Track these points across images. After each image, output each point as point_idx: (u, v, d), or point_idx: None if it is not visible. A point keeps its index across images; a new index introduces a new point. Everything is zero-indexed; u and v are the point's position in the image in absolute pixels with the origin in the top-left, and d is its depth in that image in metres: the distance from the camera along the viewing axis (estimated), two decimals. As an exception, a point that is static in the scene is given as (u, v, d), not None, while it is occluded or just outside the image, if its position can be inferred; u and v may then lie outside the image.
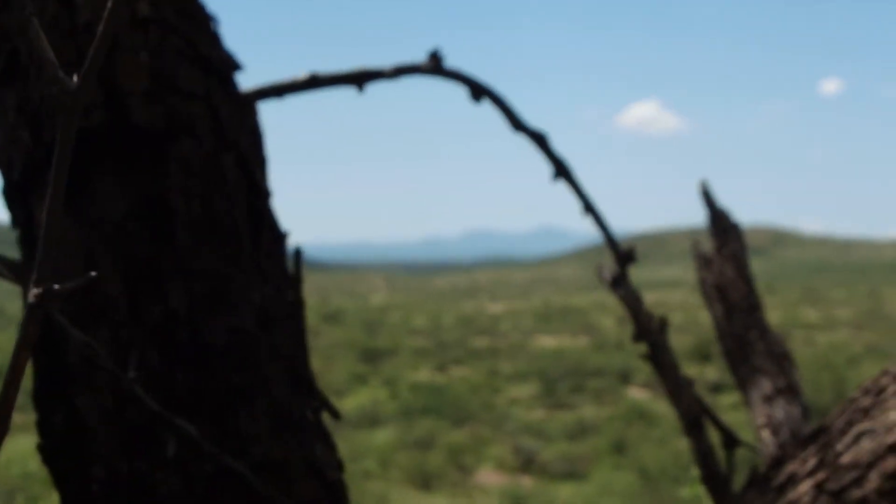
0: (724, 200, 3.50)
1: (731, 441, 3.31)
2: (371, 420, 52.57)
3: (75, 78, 1.36)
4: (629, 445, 44.43)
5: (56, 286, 1.38)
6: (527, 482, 42.81)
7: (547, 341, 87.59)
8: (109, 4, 1.33)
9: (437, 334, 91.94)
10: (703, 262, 3.44)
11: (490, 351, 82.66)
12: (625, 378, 61.38)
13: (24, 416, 2.78)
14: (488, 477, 45.28)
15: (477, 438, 50.66)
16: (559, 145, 3.30)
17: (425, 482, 43.35)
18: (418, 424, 51.06)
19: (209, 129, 2.75)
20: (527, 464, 46.66)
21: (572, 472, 43.77)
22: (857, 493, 2.63)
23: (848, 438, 2.69)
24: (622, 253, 3.31)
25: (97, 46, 1.38)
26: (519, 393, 65.63)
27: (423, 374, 70.82)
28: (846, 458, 2.67)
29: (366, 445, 45.27)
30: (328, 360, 67.25)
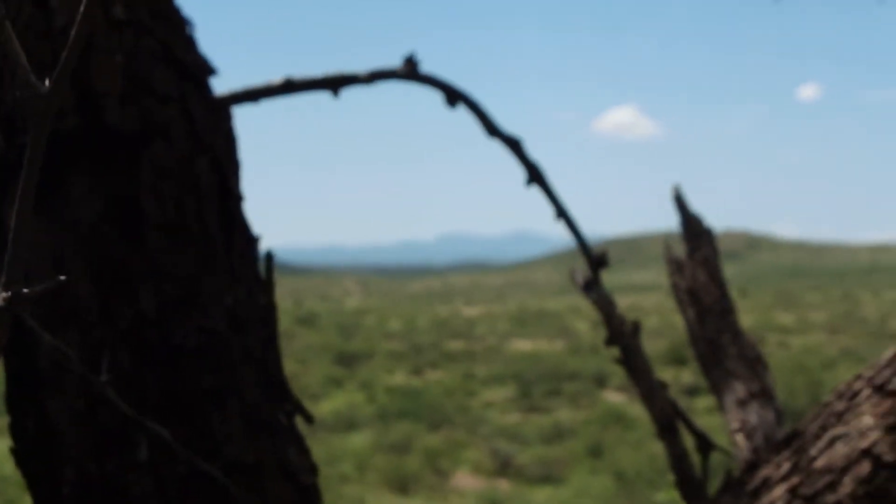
0: (699, 205, 3.50)
1: (705, 445, 3.31)
2: (347, 424, 52.64)
3: (48, 82, 1.36)
4: (605, 449, 44.57)
5: (25, 289, 1.37)
6: (504, 485, 42.92)
7: (522, 345, 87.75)
8: (83, 7, 1.33)
9: (413, 338, 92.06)
10: (676, 266, 3.44)
11: (465, 354, 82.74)
12: (600, 382, 61.49)
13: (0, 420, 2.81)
14: (465, 480, 45.36)
15: (453, 442, 50.74)
16: (535, 150, 3.30)
17: (402, 486, 43.45)
18: (394, 428, 51.19)
19: (183, 132, 2.76)
20: (503, 467, 46.72)
21: (549, 476, 43.85)
22: (831, 498, 2.63)
23: (822, 443, 2.69)
24: (595, 257, 3.32)
25: (70, 49, 1.38)
26: (494, 396, 65.69)
27: (399, 378, 70.93)
28: (820, 463, 2.67)
29: (342, 449, 45.30)
30: (303, 364, 67.43)
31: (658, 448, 3.31)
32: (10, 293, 1.35)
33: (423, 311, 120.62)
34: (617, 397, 55.34)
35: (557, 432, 51.87)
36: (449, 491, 43.79)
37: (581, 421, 53.35)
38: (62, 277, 1.40)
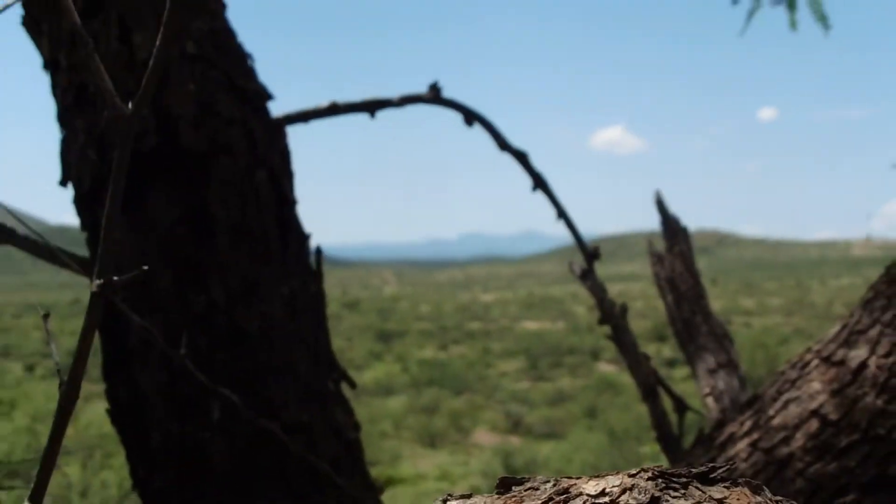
0: (676, 207, 3.50)
1: (681, 407, 3.30)
2: (385, 390, 52.97)
3: (130, 106, 1.35)
4: (599, 411, 44.73)
5: (115, 279, 1.37)
6: (515, 441, 43.05)
7: (530, 325, 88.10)
8: (159, 43, 1.32)
9: (439, 319, 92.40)
10: (657, 259, 3.44)
11: (483, 333, 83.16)
12: (595, 355, 61.78)
13: (99, 386, 2.81)
14: (483, 437, 45.53)
15: (473, 405, 51.01)
16: (539, 162, 3.29)
17: (431, 441, 43.74)
18: (424, 393, 51.46)
19: (245, 149, 2.75)
20: (515, 426, 46.92)
21: (552, 433, 43.98)
22: (785, 451, 2.62)
23: (778, 405, 2.68)
24: (589, 252, 3.31)
25: (149, 78, 1.37)
26: (507, 368, 65.93)
27: (428, 352, 71.23)
28: (776, 421, 2.66)
29: (381, 411, 45.59)
30: (349, 341, 67.94)
31: (643, 409, 3.30)
32: (102, 281, 1.35)
33: (448, 298, 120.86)
34: (609, 368, 55.41)
35: (559, 397, 52.09)
36: (470, 445, 44.04)
37: (579, 388, 53.55)
38: (145, 268, 1.39)
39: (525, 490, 1.07)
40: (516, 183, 3.22)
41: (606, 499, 1.00)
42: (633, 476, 1.03)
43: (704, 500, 0.98)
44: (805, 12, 4.07)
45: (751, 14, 4.05)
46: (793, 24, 4.06)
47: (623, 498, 1.01)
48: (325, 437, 2.83)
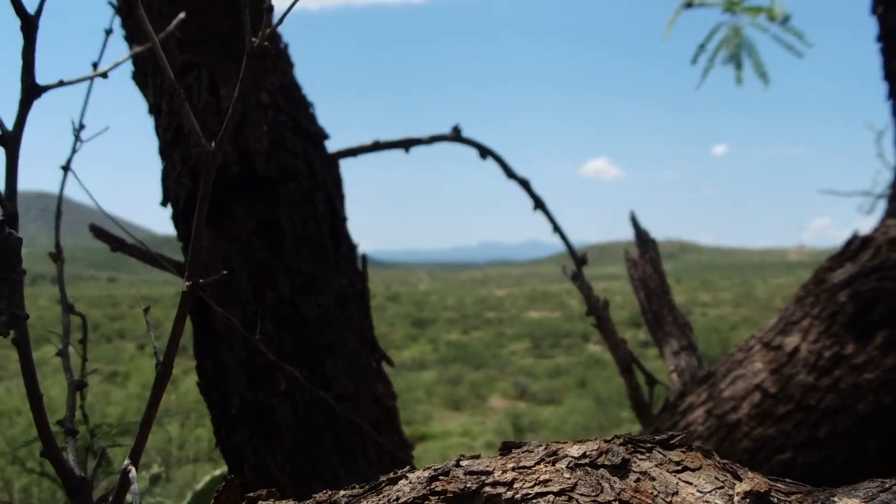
0: (646, 222, 3.49)
1: (651, 381, 3.29)
2: (419, 365, 53.51)
3: (214, 144, 1.34)
4: (588, 382, 45.12)
5: (201, 280, 1.37)
6: (522, 405, 43.41)
7: (534, 314, 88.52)
8: (235, 95, 1.31)
9: (462, 310, 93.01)
10: (632, 263, 3.44)
11: (497, 321, 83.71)
12: (585, 338, 61.99)
13: (194, 362, 2.83)
14: (497, 402, 45.91)
15: (489, 377, 51.53)
16: (538, 187, 3.28)
17: (456, 406, 44.18)
18: (450, 368, 52.01)
19: (307, 176, 2.75)
20: (521, 394, 47.27)
21: (551, 399, 44.31)
22: (734, 416, 2.60)
23: (728, 380, 2.66)
24: (578, 257, 3.30)
25: (227, 123, 1.36)
26: (516, 348, 66.32)
27: (453, 336, 71.65)
28: (726, 393, 2.64)
29: (416, 382, 46.03)
30: (391, 326, 68.56)
31: (623, 382, 3.30)
32: (191, 282, 1.34)
33: (469, 293, 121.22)
34: (596, 348, 55.53)
35: (557, 371, 52.48)
36: (486, 409, 44.46)
37: (572, 363, 53.94)
38: (225, 272, 1.38)
39: (522, 452, 1.06)
40: (523, 202, 3.21)
41: (587, 459, 0.99)
42: (608, 442, 1.02)
43: (665, 462, 0.97)
44: (749, 71, 4.04)
45: (705, 72, 4.02)
46: (739, 80, 4.03)
47: (600, 459, 1.00)
48: (368, 404, 2.83)
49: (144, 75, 2.88)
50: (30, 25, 1.58)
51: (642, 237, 3.46)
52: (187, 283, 1.53)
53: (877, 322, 2.51)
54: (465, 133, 3.14)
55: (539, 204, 3.26)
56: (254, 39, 1.50)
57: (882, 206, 2.81)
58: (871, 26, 2.78)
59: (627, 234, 3.60)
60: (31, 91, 1.56)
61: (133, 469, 1.58)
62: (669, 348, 3.28)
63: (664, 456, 0.97)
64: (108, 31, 2.01)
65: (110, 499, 1.67)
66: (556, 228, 3.28)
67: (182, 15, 1.79)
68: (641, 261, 3.42)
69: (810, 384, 2.53)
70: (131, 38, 2.80)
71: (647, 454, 0.98)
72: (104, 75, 1.69)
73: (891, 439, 2.52)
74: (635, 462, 0.96)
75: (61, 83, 1.61)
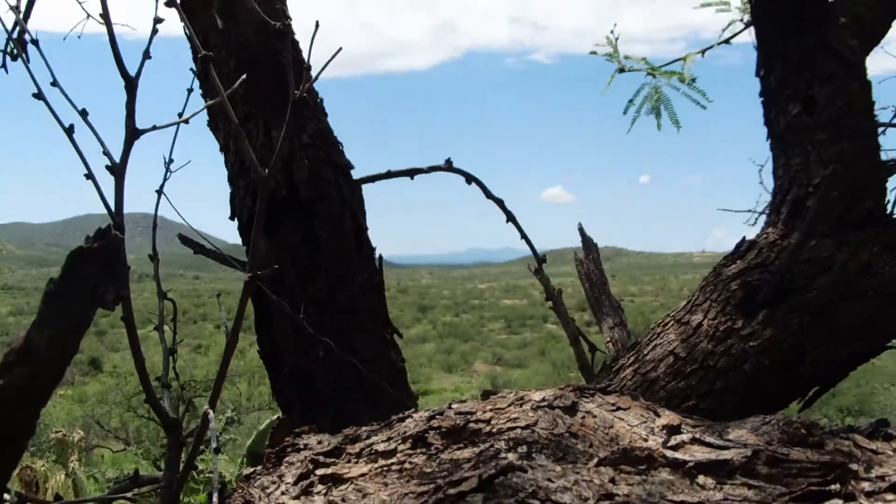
0: (590, 232, 3.48)
1: (593, 349, 3.27)
2: (422, 339, 54.06)
3: (267, 172, 1.33)
4: (547, 352, 45.51)
5: (258, 273, 1.36)
6: (498, 369, 43.69)
7: (507, 302, 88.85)
8: (282, 137, 1.30)
9: (454, 298, 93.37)
10: (579, 262, 3.44)
11: (479, 306, 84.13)
12: (545, 319, 62.46)
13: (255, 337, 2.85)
14: (480, 367, 46.31)
15: (474, 348, 52.06)
16: (511, 207, 3.27)
17: (449, 369, 44.55)
18: (445, 342, 52.53)
19: (337, 198, 2.75)
20: (498, 360, 47.69)
21: (520, 364, 44.65)
22: (653, 374, 2.59)
23: (649, 347, 2.65)
24: (540, 258, 3.29)
25: (276, 157, 1.35)
26: (493, 326, 66.83)
27: (447, 318, 72.06)
28: (648, 357, 2.63)
29: (420, 352, 46.54)
30: (401, 311, 69.05)
31: (572, 351, 3.28)
32: (251, 275, 1.33)
33: (459, 286, 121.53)
34: (552, 327, 55.84)
35: (524, 344, 53.08)
36: (472, 372, 44.97)
37: (535, 338, 54.50)
38: (276, 267, 1.37)
39: (497, 397, 1.06)
40: (501, 217, 3.19)
41: (545, 402, 0.98)
42: (562, 389, 1.01)
43: (604, 404, 0.96)
44: (666, 119, 4.04)
45: (633, 121, 4.01)
46: (659, 127, 4.03)
47: (555, 402, 0.99)
48: (384, 367, 2.83)
49: (216, 122, 2.88)
50: (131, 84, 1.57)
51: (587, 243, 3.46)
52: (248, 276, 1.52)
53: (759, 304, 2.52)
54: (455, 164, 3.13)
55: (510, 218, 3.25)
56: (296, 92, 1.50)
57: (763, 220, 2.82)
58: (756, 85, 2.79)
59: (576, 242, 3.59)
60: (132, 134, 1.55)
61: (211, 412, 1.58)
62: (606, 325, 3.28)
63: (603, 399, 0.97)
64: (190, 90, 2.00)
65: (195, 434, 1.66)
66: (523, 236, 3.28)
67: (243, 77, 1.78)
68: (587, 261, 3.42)
69: (709, 350, 2.52)
70: (206, 94, 2.79)
71: (591, 398, 0.97)
72: (186, 122, 1.69)
73: (769, 391, 2.52)
74: (582, 404, 0.95)
75: (154, 128, 1.61)
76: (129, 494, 2.53)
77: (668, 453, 0.83)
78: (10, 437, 0.96)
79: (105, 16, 1.71)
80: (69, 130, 1.58)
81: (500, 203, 3.25)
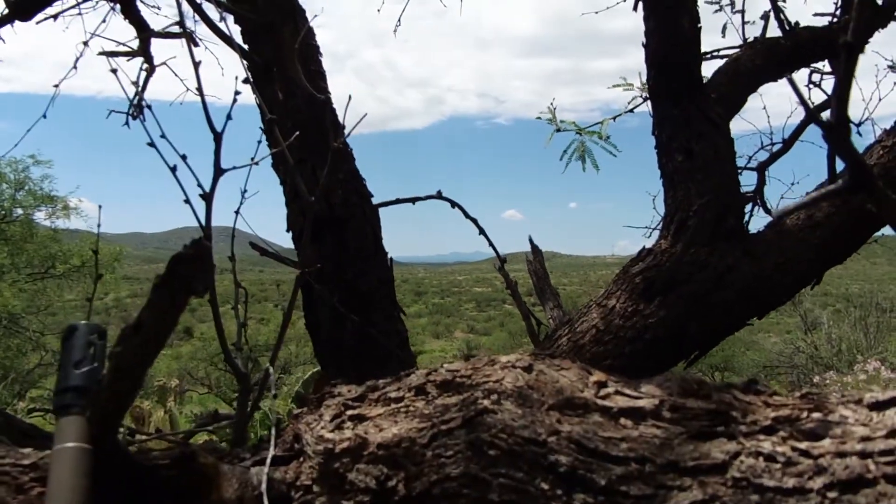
0: (536, 240, 3.45)
1: (539, 324, 3.24)
2: (418, 315, 53.80)
3: (314, 199, 1.30)
4: (505, 325, 45.30)
5: (306, 269, 1.32)
6: (471, 336, 43.52)
7: (478, 289, 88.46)
8: (325, 173, 1.27)
9: (441, 287, 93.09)
10: (529, 262, 3.40)
11: (458, 292, 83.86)
12: (504, 301, 62.52)
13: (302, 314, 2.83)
14: (458, 335, 46.06)
15: (454, 321, 51.74)
16: (482, 223, 3.22)
17: (437, 336, 44.25)
18: (433, 317, 52.24)
19: (361, 217, 2.70)
20: (471, 330, 47.46)
21: (486, 333, 44.44)
22: (581, 341, 2.56)
23: (579, 323, 2.62)
24: (502, 259, 3.26)
25: (321, 189, 1.32)
26: (469, 307, 66.52)
27: (436, 300, 71.87)
28: (578, 329, 2.60)
29: (416, 324, 46.29)
30: (403, 295, 68.84)
31: (524, 325, 3.24)
32: (301, 270, 1.29)
33: (444, 278, 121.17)
34: (509, 307, 55.81)
35: (489, 319, 53.01)
36: (453, 338, 44.85)
37: (497, 314, 54.27)
38: (319, 266, 1.33)
39: (475, 360, 1.03)
40: (473, 230, 3.14)
41: (510, 363, 0.96)
42: (520, 355, 0.99)
43: (551, 365, 0.94)
44: (589, 164, 4.03)
45: (566, 165, 4.02)
46: (584, 169, 4.03)
47: (517, 363, 0.97)
48: (394, 335, 2.78)
49: (278, 163, 2.84)
50: (218, 137, 1.54)
51: (534, 248, 3.43)
52: (298, 273, 1.48)
53: (655, 293, 2.50)
54: (444, 194, 3.09)
55: (482, 231, 3.20)
56: (335, 143, 1.47)
57: (655, 234, 2.81)
58: (648, 141, 2.78)
59: (527, 247, 3.56)
60: (217, 171, 1.51)
61: (271, 368, 1.54)
62: (548, 307, 3.24)
63: (551, 362, 0.95)
64: (259, 142, 1.97)
65: (259, 384, 1.63)
66: (490, 244, 3.23)
67: (297, 133, 1.76)
68: (534, 261, 3.38)
69: (620, 325, 2.50)
70: (270, 145, 2.76)
71: (542, 361, 0.95)
72: (257, 164, 1.66)
73: (662, 354, 2.51)
74: (535, 365, 0.93)
75: (234, 168, 1.57)
76: (210, 428, 2.48)
77: (599, 401, 0.81)
78: (128, 388, 0.94)
79: (199, 89, 1.68)
80: (173, 169, 1.55)
81: (474, 221, 3.21)
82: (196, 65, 1.67)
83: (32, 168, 19.60)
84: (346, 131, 1.61)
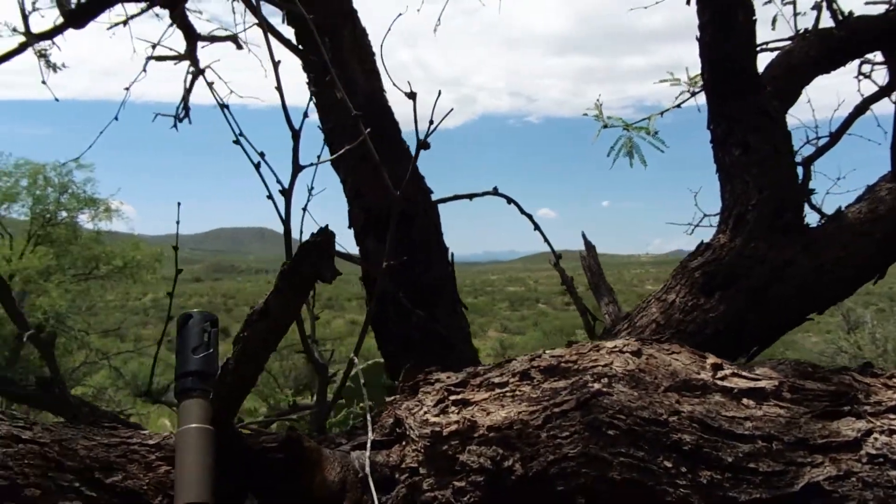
0: (569, 240, 3.43)
1: (594, 319, 3.22)
2: (452, 315, 54.25)
3: (399, 193, 1.33)
4: (539, 323, 45.19)
5: (391, 262, 1.35)
6: (505, 336, 43.30)
7: (511, 289, 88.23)
8: (409, 175, 1.30)
9: (474, 285, 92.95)
10: (583, 258, 3.39)
11: (492, 291, 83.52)
12: (537, 301, 62.35)
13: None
14: (492, 334, 45.77)
15: (488, 321, 51.49)
16: (515, 221, 3.14)
17: (471, 335, 44.61)
18: (468, 316, 52.36)
19: (424, 212, 2.70)
20: (505, 329, 47.13)
21: (520, 332, 44.14)
22: (642, 335, 2.57)
23: (638, 317, 2.62)
24: (557, 255, 3.23)
25: (405, 187, 1.35)
26: (501, 306, 66.23)
27: (469, 299, 71.86)
28: (638, 324, 2.59)
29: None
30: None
31: (558, 322, 3.23)
32: (387, 263, 1.31)
33: (478, 278, 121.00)
34: (543, 307, 55.57)
35: (522, 318, 52.43)
36: (486, 337, 44.35)
37: (530, 314, 53.99)
38: (398, 261, 1.36)
39: (579, 346, 1.05)
40: (509, 228, 3.07)
41: (617, 348, 0.98)
42: (627, 340, 1.01)
43: (661, 349, 0.96)
44: (637, 160, 4.02)
45: (614, 161, 4.00)
46: (631, 165, 4.01)
47: (625, 348, 0.99)
48: (455, 330, 2.78)
49: (338, 166, 2.84)
50: (296, 134, 1.59)
51: (588, 245, 3.40)
52: (382, 269, 1.52)
53: (715, 287, 2.50)
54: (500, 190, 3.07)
55: (536, 226, 3.17)
56: (421, 140, 1.50)
57: (698, 231, 2.81)
58: (689, 137, 2.78)
59: (562, 245, 3.47)
60: (296, 168, 1.56)
61: (355, 359, 1.58)
62: (603, 302, 3.23)
63: (660, 346, 0.97)
64: (321, 155, 2.01)
65: (344, 373, 1.67)
66: (546, 240, 3.18)
67: (361, 136, 1.79)
68: (588, 256, 3.36)
69: (680, 319, 2.50)
70: (331, 141, 2.77)
71: (651, 346, 0.97)
72: (322, 163, 1.70)
73: (723, 348, 2.49)
74: (644, 349, 0.95)
75: (311, 164, 1.62)
76: (293, 416, 2.53)
77: (718, 382, 0.83)
78: (252, 371, 0.98)
79: (279, 89, 1.73)
80: (257, 166, 1.60)
81: (530, 217, 3.17)
82: (276, 64, 1.72)
83: (75, 172, 20.07)
84: (422, 128, 1.64)
